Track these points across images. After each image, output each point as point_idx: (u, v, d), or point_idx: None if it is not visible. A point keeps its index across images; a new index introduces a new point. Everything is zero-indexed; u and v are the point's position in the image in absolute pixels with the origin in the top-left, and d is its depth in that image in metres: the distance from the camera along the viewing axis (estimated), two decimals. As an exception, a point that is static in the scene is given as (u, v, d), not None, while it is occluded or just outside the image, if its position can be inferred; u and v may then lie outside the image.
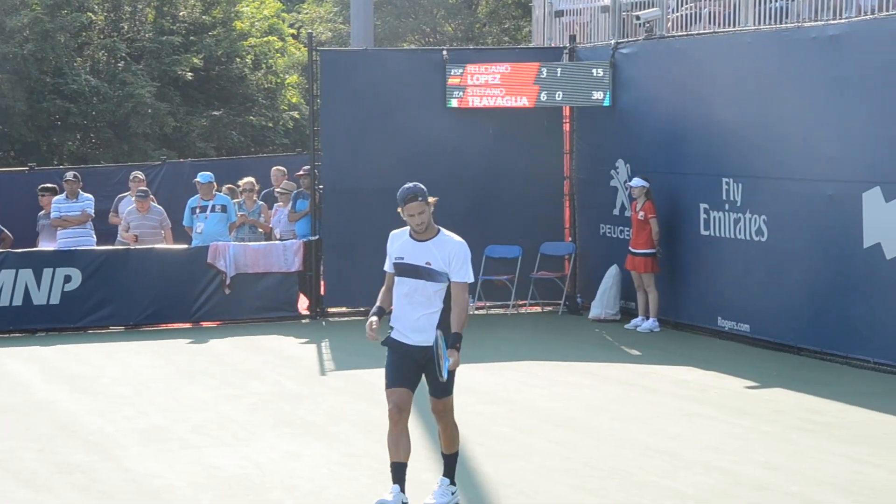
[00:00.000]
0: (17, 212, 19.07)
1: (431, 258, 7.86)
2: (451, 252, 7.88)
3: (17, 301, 15.80)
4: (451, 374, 7.78)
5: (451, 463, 8.11)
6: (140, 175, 18.24)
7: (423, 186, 7.97)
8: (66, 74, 27.78)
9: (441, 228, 8.04)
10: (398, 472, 7.87)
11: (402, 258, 7.95)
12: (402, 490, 7.86)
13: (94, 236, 17.07)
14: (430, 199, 7.96)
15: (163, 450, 9.81)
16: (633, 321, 15.72)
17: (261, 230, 17.56)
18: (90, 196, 17.22)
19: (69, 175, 17.40)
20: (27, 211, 18.42)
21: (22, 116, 27.48)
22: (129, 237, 17.08)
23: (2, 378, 13.03)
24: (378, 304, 8.04)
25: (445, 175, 17.11)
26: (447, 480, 8.07)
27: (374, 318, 7.90)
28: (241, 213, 17.29)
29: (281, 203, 17.63)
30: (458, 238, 8.00)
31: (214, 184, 17.07)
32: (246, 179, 17.90)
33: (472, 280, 7.93)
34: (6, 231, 17.54)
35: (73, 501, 8.41)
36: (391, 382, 7.87)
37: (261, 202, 17.96)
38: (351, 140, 17.01)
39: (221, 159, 25.31)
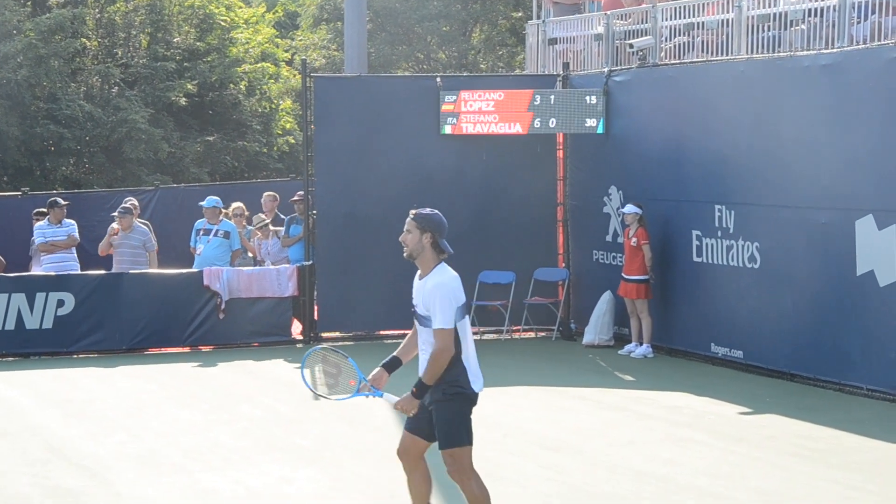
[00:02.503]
0: (9, 236, 19.08)
1: (419, 300, 7.37)
2: (428, 294, 7.29)
3: (10, 325, 15.78)
4: (449, 425, 7.28)
5: None
6: (133, 200, 18.23)
7: (429, 213, 7.44)
8: (59, 100, 27.80)
9: (438, 266, 7.39)
10: None
11: (413, 296, 7.54)
12: None
13: (78, 262, 17.04)
14: (428, 234, 7.33)
15: (156, 474, 9.79)
16: (627, 347, 15.74)
17: (251, 254, 17.60)
18: (72, 221, 17.20)
19: (59, 200, 17.36)
20: (20, 235, 18.42)
21: (15, 141, 27.48)
22: (103, 248, 16.88)
23: (-6, 402, 13.00)
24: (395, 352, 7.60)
25: (439, 201, 17.00)
26: None
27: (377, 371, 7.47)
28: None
29: (261, 235, 17.72)
30: (441, 277, 7.32)
31: (221, 209, 17.10)
32: (235, 204, 17.95)
33: (445, 326, 7.20)
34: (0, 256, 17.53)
35: (66, 525, 8.39)
36: (405, 426, 7.54)
37: (250, 227, 18.01)
38: (345, 166, 17.05)
39: (215, 184, 25.33)
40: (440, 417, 7.28)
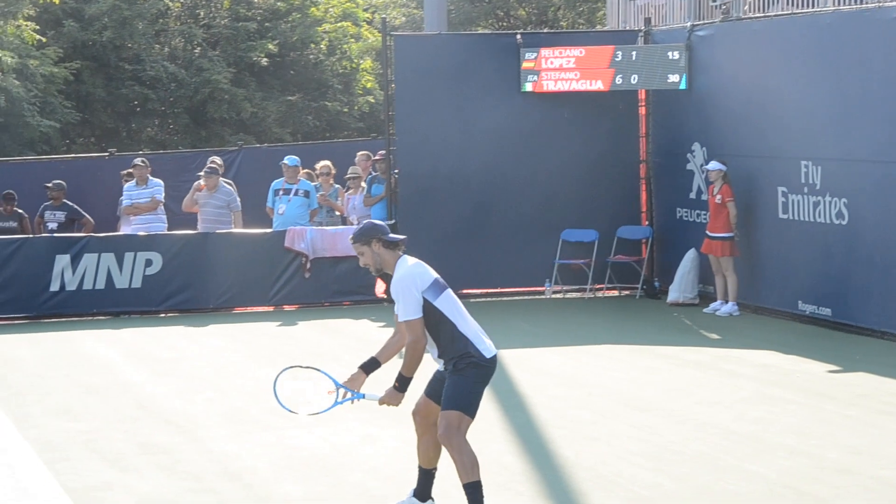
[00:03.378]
0: (98, 197, 19.35)
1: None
2: (393, 292, 7.27)
3: (100, 284, 16.05)
4: (457, 390, 7.21)
5: (471, 498, 7.23)
6: (217, 160, 18.35)
7: (360, 227, 7.41)
8: (144, 61, 28.11)
9: (398, 262, 7.30)
10: (419, 477, 7.61)
11: None
12: (419, 498, 7.56)
13: (166, 221, 17.23)
14: (374, 243, 7.26)
15: (243, 431, 9.92)
16: (712, 305, 15.61)
17: (337, 213, 17.66)
18: (159, 181, 17.38)
19: (137, 161, 17.57)
20: (108, 196, 18.67)
21: (102, 103, 27.87)
22: (188, 204, 17.01)
23: (87, 360, 13.24)
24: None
25: (520, 159, 17.11)
26: None
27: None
28: (320, 194, 17.39)
29: (352, 190, 17.72)
30: (399, 272, 7.26)
31: (300, 168, 17.19)
32: (322, 163, 17.97)
33: (410, 317, 7.15)
34: (87, 216, 17.80)
35: (158, 481, 8.53)
36: (424, 390, 7.52)
37: (337, 186, 18.05)
38: (425, 124, 17.04)
39: (297, 144, 25.45)
40: (451, 383, 7.24)
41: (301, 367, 7.63)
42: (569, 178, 17.19)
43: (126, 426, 10.14)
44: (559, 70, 16.83)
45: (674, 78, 16.51)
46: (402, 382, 7.30)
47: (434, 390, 7.42)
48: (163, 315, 16.18)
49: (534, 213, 17.17)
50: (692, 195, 16.63)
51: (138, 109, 28.58)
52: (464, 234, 16.94)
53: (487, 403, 10.49)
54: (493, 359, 7.33)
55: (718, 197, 15.34)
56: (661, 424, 9.92)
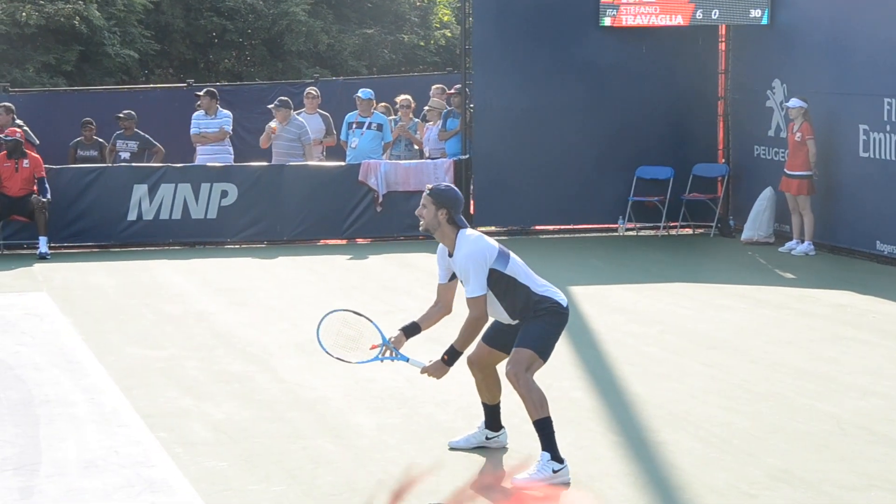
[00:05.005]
0: (176, 127, 19.51)
1: (458, 273, 7.29)
2: (461, 267, 7.21)
3: (177, 214, 16.23)
4: (534, 331, 7.15)
5: (542, 433, 7.14)
6: (314, 91, 18.30)
7: (444, 189, 7.31)
8: (222, -9, 28.19)
9: (459, 236, 7.20)
10: (486, 412, 7.64)
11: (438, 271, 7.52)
12: (491, 429, 7.60)
13: (232, 153, 17.32)
14: (442, 211, 7.15)
15: (317, 362, 9.98)
16: (788, 244, 15.44)
17: (416, 147, 17.66)
18: (228, 113, 17.47)
19: (204, 91, 17.66)
20: (186, 127, 18.82)
21: (181, 34, 28.01)
22: (264, 139, 17.08)
23: (163, 289, 13.43)
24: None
25: (597, 94, 16.97)
26: (547, 455, 7.11)
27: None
28: (400, 125, 17.38)
29: (430, 122, 17.68)
30: (468, 247, 7.18)
31: (374, 101, 17.18)
32: (403, 96, 17.93)
33: (477, 294, 7.10)
34: (158, 144, 17.93)
35: (233, 410, 8.65)
36: (482, 337, 7.51)
37: (416, 119, 18.03)
38: (502, 59, 16.94)
39: (373, 77, 25.44)
40: (529, 326, 7.20)
41: (355, 313, 7.64)
42: (645, 114, 17.04)
43: (201, 354, 10.29)
44: (639, 4, 16.62)
45: (756, 13, 16.23)
46: (452, 356, 7.34)
47: (495, 339, 7.41)
48: (237, 246, 16.34)
49: (608, 150, 17.05)
50: (771, 133, 16.41)
51: (216, 41, 28.70)
52: (537, 169, 16.87)
53: (559, 340, 10.50)
54: (568, 308, 7.33)
55: (798, 135, 15.12)
56: (733, 363, 9.87)
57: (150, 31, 27.40)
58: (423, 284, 13.57)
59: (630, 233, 17.04)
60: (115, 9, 25.95)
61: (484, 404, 7.67)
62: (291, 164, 16.74)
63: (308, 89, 18.54)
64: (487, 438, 7.67)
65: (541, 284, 7.30)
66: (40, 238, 15.51)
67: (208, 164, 16.71)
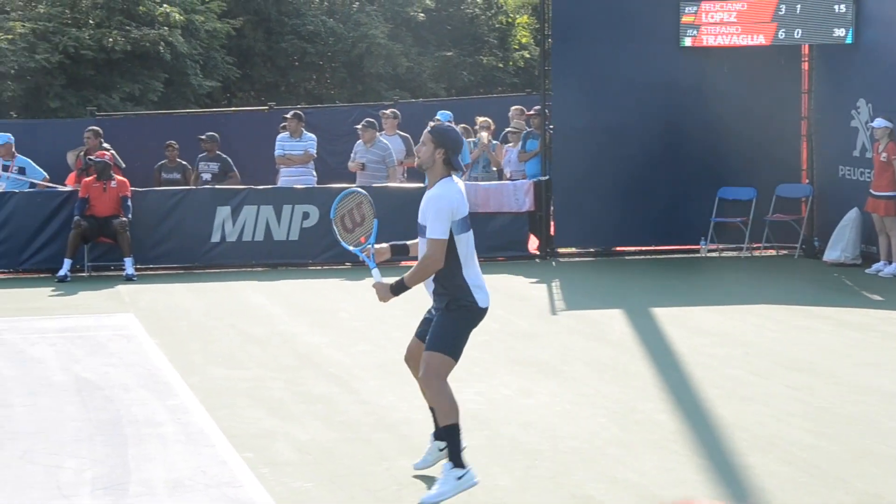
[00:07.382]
0: (257, 150, 19.77)
1: (421, 211, 7.26)
2: (426, 204, 7.18)
3: (259, 236, 16.41)
4: (442, 330, 7.17)
5: (448, 441, 7.14)
6: (390, 112, 18.43)
7: (446, 129, 7.24)
8: (303, 15, 28.52)
9: (444, 179, 7.18)
10: (434, 418, 7.52)
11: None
12: (440, 437, 7.45)
13: (315, 175, 17.48)
14: (440, 150, 7.10)
15: (399, 383, 10.03)
16: (875, 266, 15.24)
17: (493, 168, 17.69)
18: (313, 136, 17.64)
19: (291, 113, 17.83)
20: (267, 149, 19.03)
21: (262, 57, 28.38)
22: (354, 166, 17.31)
23: (247, 310, 13.56)
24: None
25: (678, 115, 16.90)
26: (449, 464, 7.09)
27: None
28: (482, 143, 17.43)
29: (511, 143, 17.71)
30: (442, 189, 7.12)
31: (452, 123, 17.24)
32: (483, 118, 18.01)
33: (437, 236, 7.05)
34: (235, 170, 18.11)
35: (317, 431, 8.71)
36: (415, 332, 7.56)
37: (496, 141, 18.07)
38: (582, 80, 16.93)
39: (452, 99, 25.55)
40: (437, 322, 7.23)
41: (371, 205, 7.70)
42: (727, 134, 16.93)
43: (287, 375, 10.37)
44: (720, 24, 16.54)
45: (839, 32, 16.08)
46: (398, 288, 7.33)
47: (424, 332, 7.42)
48: (319, 267, 16.46)
49: (690, 171, 16.96)
50: (856, 153, 16.22)
51: (297, 63, 29.03)
52: (618, 191, 16.82)
53: (641, 362, 10.48)
54: (485, 310, 7.31)
55: (884, 155, 14.94)
56: (819, 386, 9.75)
57: (232, 58, 27.77)
58: (503, 306, 13.57)
59: (712, 254, 16.91)
60: (198, 41, 26.32)
61: (431, 409, 7.56)
62: (373, 185, 16.85)
63: (383, 110, 18.65)
64: (440, 450, 7.50)
65: (473, 275, 7.28)
66: (126, 260, 15.76)
67: (291, 186, 16.88)
